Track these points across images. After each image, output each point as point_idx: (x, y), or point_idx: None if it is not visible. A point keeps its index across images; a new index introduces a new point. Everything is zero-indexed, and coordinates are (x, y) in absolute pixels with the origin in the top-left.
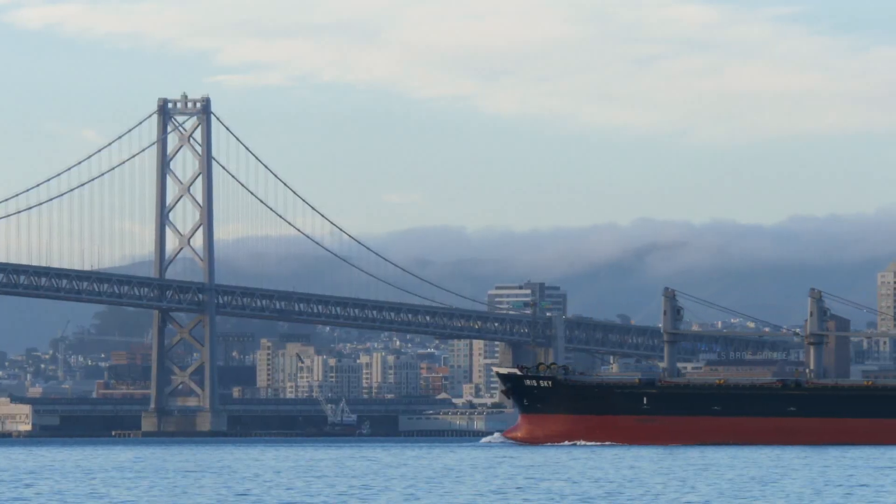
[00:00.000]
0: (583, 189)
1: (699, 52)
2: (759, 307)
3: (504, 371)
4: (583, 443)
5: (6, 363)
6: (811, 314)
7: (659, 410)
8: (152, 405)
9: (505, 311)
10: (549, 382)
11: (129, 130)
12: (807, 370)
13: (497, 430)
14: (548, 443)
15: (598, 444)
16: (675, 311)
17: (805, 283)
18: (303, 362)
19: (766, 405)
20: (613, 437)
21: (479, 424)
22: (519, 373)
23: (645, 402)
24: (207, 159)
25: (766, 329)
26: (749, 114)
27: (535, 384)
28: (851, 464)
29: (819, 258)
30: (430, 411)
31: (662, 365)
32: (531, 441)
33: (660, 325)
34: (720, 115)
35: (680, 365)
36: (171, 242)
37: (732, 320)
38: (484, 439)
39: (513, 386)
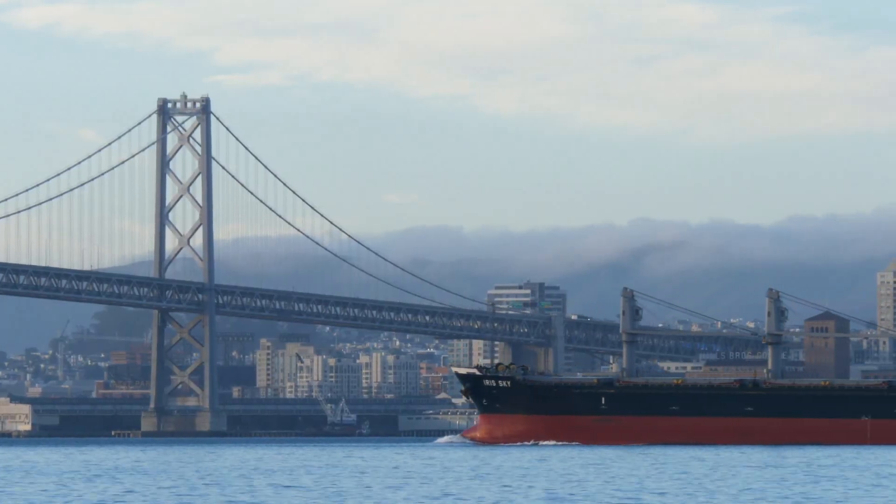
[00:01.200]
0: (581, 189)
1: (698, 51)
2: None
3: (463, 371)
4: (541, 443)
5: (6, 363)
6: (769, 314)
7: (617, 410)
8: (152, 405)
9: (505, 311)
10: (508, 382)
11: (129, 130)
12: (765, 370)
13: None
14: (507, 443)
15: (557, 443)
16: (633, 312)
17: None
18: (302, 362)
19: (724, 405)
20: (572, 437)
21: None
22: (478, 373)
23: (603, 402)
24: (207, 159)
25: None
26: (748, 114)
27: (494, 384)
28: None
29: (818, 258)
30: (430, 411)
31: (622, 365)
32: (490, 441)
33: (660, 325)
34: (719, 115)
35: (680, 365)
36: (171, 242)
37: (733, 320)
38: (441, 439)
39: (472, 386)
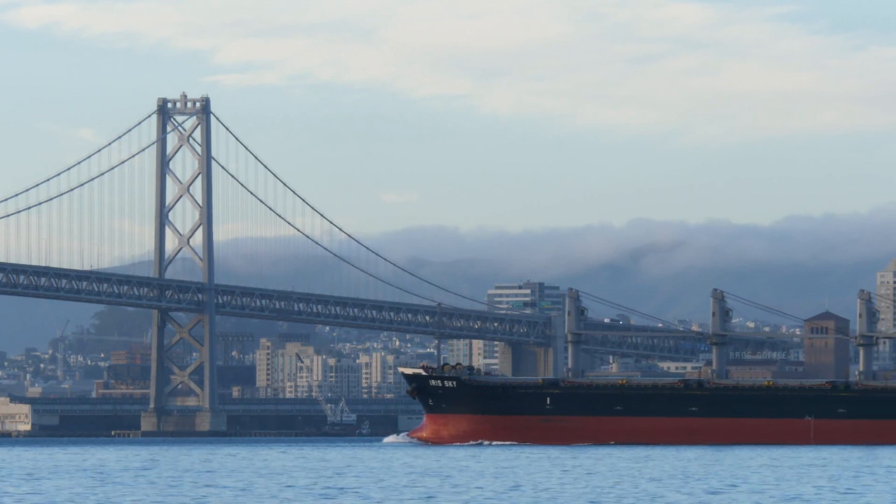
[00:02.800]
0: (578, 189)
1: (695, 51)
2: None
3: (409, 371)
4: (487, 442)
5: (6, 363)
6: (713, 314)
7: (562, 410)
8: (152, 405)
9: (504, 311)
10: (454, 383)
11: (129, 130)
12: (709, 369)
13: None
14: (452, 442)
15: (502, 443)
16: (578, 312)
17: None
18: (302, 362)
19: (668, 405)
20: (517, 437)
21: None
22: (424, 373)
23: (548, 402)
24: (207, 159)
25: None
26: (745, 113)
27: (440, 384)
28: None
29: (815, 258)
30: None
31: (568, 365)
32: (436, 441)
33: (660, 325)
34: (716, 114)
35: (679, 364)
36: (171, 242)
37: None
38: (387, 439)
39: (418, 386)
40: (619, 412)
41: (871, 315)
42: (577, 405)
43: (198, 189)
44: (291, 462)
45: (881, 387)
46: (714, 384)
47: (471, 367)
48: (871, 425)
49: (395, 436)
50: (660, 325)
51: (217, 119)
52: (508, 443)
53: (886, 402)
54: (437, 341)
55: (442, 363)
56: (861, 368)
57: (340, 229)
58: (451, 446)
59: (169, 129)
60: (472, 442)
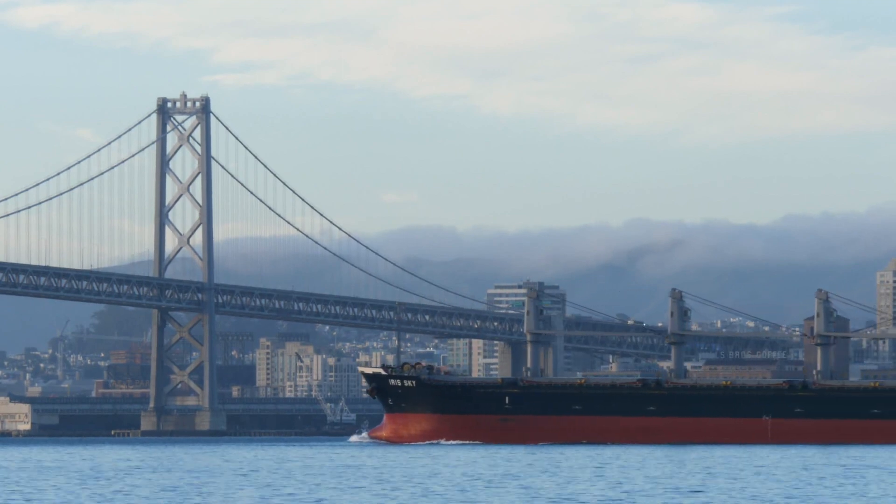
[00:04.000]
0: (576, 189)
1: (695, 51)
2: (757, 307)
3: (369, 371)
4: (446, 442)
5: (5, 362)
6: (672, 314)
7: (521, 410)
8: (151, 404)
9: (504, 311)
10: (413, 382)
11: (129, 130)
12: (666, 369)
13: None
14: (412, 442)
15: (461, 443)
16: (537, 312)
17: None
18: (302, 361)
19: (626, 405)
20: (476, 437)
21: None
22: (384, 373)
23: (507, 401)
24: (207, 159)
25: (766, 328)
26: (744, 113)
27: (400, 384)
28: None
29: (814, 258)
30: None
31: (527, 365)
32: (396, 440)
33: (660, 325)
34: (715, 114)
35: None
36: (171, 242)
37: (733, 320)
38: (352, 438)
39: (378, 386)
40: (577, 411)
41: (829, 315)
42: (535, 404)
43: (197, 189)
44: (232, 461)
45: (838, 386)
46: (672, 384)
47: (430, 367)
48: (827, 425)
49: (357, 435)
50: (660, 324)
51: (217, 119)
52: (468, 442)
53: (843, 402)
54: (436, 341)
55: (401, 363)
56: (818, 368)
57: (340, 229)
58: (407, 445)
59: (169, 128)
60: (431, 441)
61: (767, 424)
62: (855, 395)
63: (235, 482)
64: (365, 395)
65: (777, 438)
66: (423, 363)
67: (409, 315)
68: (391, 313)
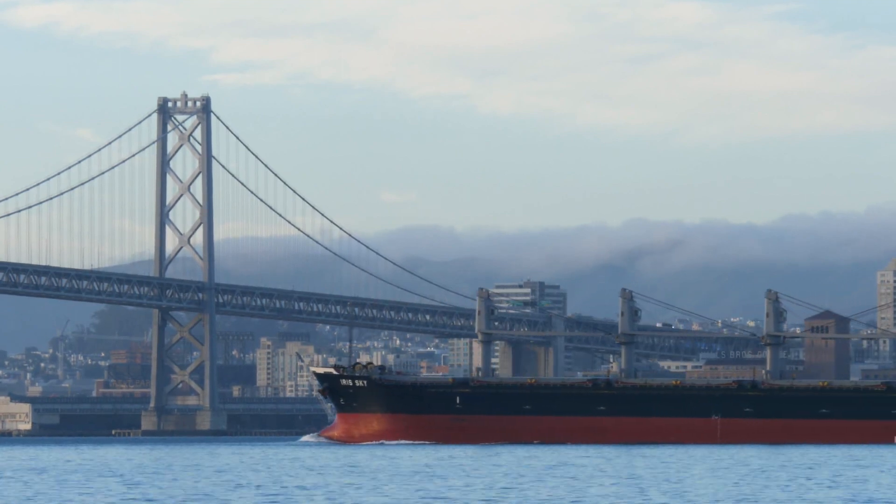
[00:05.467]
0: (574, 189)
1: (694, 51)
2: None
3: (320, 371)
4: (396, 442)
5: (6, 362)
6: (622, 314)
7: (471, 410)
8: (152, 404)
9: (505, 311)
10: (364, 382)
11: (129, 129)
12: (617, 369)
13: None
14: (363, 442)
15: (412, 442)
16: (489, 311)
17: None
18: (302, 361)
19: (576, 404)
20: (427, 437)
21: None
22: (335, 372)
23: (458, 401)
24: (207, 158)
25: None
26: (743, 113)
27: (351, 384)
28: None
29: (812, 257)
30: None
31: (476, 364)
32: (347, 440)
33: (659, 325)
34: (714, 114)
35: (678, 364)
36: (171, 241)
37: (734, 320)
38: (303, 438)
39: (329, 386)
40: (528, 411)
41: (778, 315)
42: (486, 404)
43: (198, 188)
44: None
45: (787, 386)
46: (622, 383)
47: (382, 367)
48: (776, 424)
49: (309, 435)
50: (659, 324)
51: (217, 118)
52: (419, 442)
53: (792, 402)
54: (436, 340)
55: (353, 362)
56: (768, 368)
57: (341, 228)
58: (356, 445)
59: (169, 128)
60: (382, 441)
61: (717, 424)
62: (804, 395)
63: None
64: (315, 394)
65: (726, 438)
66: (374, 363)
67: (410, 315)
68: (392, 313)
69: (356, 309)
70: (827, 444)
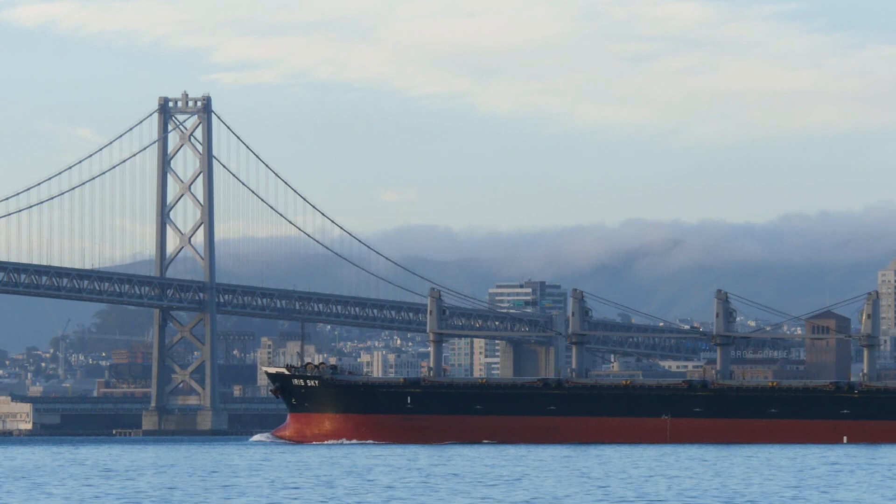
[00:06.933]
0: (572, 189)
1: (693, 50)
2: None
3: (272, 370)
4: (347, 441)
5: (7, 362)
6: (573, 314)
7: (423, 409)
8: (153, 404)
9: (506, 310)
10: (316, 382)
11: (130, 129)
12: (569, 369)
13: None
14: (315, 441)
15: (362, 442)
16: (440, 312)
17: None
18: (303, 361)
19: (526, 404)
20: (379, 436)
21: None
22: (287, 372)
23: (409, 401)
24: (208, 158)
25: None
26: (742, 113)
27: (303, 383)
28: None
29: (810, 257)
30: None
31: (429, 364)
32: (299, 440)
33: (661, 324)
34: (713, 113)
35: (678, 364)
36: (172, 241)
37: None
38: (253, 438)
39: (281, 385)
40: (479, 411)
41: (728, 315)
42: (437, 404)
43: (199, 188)
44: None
45: (736, 386)
46: (572, 383)
47: (334, 367)
48: (725, 424)
49: (260, 435)
50: (661, 324)
51: (218, 118)
52: (371, 441)
53: (741, 402)
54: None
55: (304, 362)
56: (718, 367)
57: (342, 228)
58: (308, 445)
59: (170, 128)
60: (333, 441)
61: (667, 424)
62: (752, 394)
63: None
64: (268, 394)
65: (676, 438)
66: (327, 363)
67: (411, 314)
68: (392, 312)
69: (357, 308)
70: (776, 443)
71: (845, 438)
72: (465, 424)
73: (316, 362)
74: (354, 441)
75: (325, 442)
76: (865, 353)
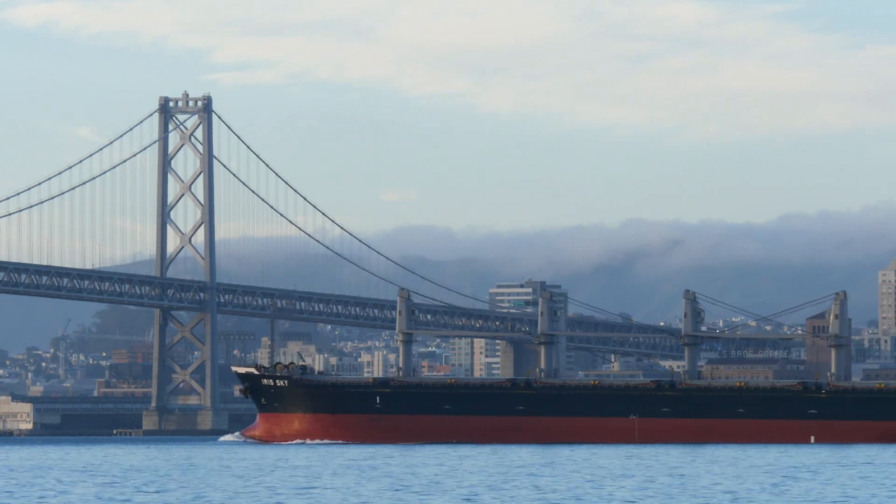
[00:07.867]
0: (571, 189)
1: (693, 49)
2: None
3: (242, 370)
4: (316, 441)
5: (7, 362)
6: (542, 314)
7: (391, 409)
8: (153, 404)
9: (506, 310)
10: (286, 382)
11: (131, 129)
12: (537, 369)
13: None
14: (284, 441)
15: (331, 442)
16: (409, 312)
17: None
18: (304, 361)
19: (495, 404)
20: (348, 436)
21: None
22: (256, 372)
23: (378, 401)
24: (209, 158)
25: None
26: (742, 112)
27: (272, 383)
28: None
29: (810, 256)
30: None
31: (398, 364)
32: (268, 439)
33: (661, 324)
34: (713, 113)
35: (679, 363)
36: (173, 241)
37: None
38: (223, 438)
39: (251, 385)
40: (447, 411)
41: (696, 315)
42: (406, 404)
43: (199, 188)
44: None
45: (704, 386)
46: (540, 383)
47: (303, 367)
48: (693, 424)
49: (230, 434)
50: (661, 324)
51: (219, 118)
52: (339, 441)
53: (709, 402)
54: (437, 340)
55: (275, 362)
56: (686, 367)
57: (342, 228)
58: (277, 445)
59: (171, 127)
60: (303, 441)
61: (634, 424)
62: (720, 394)
63: None
64: (238, 394)
65: (644, 438)
66: (296, 363)
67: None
68: (393, 312)
69: (357, 308)
70: (744, 443)
71: (812, 438)
72: (434, 424)
73: (285, 362)
74: (317, 441)
75: (291, 442)
76: (833, 352)
